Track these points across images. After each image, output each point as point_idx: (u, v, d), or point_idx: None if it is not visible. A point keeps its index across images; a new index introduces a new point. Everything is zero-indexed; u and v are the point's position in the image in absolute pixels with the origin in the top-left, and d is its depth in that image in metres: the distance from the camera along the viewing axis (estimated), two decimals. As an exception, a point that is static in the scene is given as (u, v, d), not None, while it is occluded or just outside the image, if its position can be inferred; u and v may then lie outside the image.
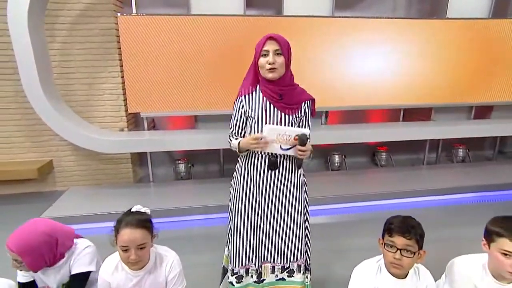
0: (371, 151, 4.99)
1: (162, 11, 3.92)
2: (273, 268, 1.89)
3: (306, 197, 1.93)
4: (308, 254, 1.96)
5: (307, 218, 1.93)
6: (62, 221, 3.11)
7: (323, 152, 4.83)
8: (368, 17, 3.95)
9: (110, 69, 3.79)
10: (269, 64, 1.65)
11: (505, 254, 1.41)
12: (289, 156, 1.75)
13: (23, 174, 3.63)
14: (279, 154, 1.74)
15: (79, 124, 3.60)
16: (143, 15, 3.50)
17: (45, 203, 3.51)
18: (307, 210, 1.93)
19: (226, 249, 1.99)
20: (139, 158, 4.41)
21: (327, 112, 4.39)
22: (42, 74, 3.29)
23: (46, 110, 3.34)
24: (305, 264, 1.94)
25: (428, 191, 3.83)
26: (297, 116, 1.77)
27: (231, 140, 1.82)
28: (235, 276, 1.87)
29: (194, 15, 3.66)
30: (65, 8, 3.58)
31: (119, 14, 3.45)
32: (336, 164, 4.68)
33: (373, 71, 4.10)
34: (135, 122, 4.26)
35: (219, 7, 3.85)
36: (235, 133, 1.82)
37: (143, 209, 1.64)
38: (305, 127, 1.80)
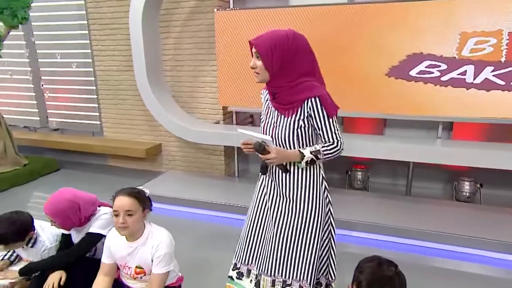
0: (530, 184, 3.79)
1: (263, 4, 4.07)
2: (273, 282, 1.82)
3: (319, 211, 1.76)
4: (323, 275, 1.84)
5: (314, 234, 1.76)
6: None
7: (448, 176, 3.98)
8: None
9: (211, 63, 4.22)
10: (251, 67, 1.69)
11: None
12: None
13: (133, 152, 4.52)
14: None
15: (176, 113, 4.19)
16: (237, 9, 3.74)
17: (148, 180, 4.26)
18: (315, 224, 1.76)
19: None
20: (233, 153, 4.74)
21: (450, 124, 3.59)
22: (150, 68, 4.01)
23: (150, 99, 4.06)
24: None
25: None
26: (296, 118, 1.67)
27: None
28: (236, 271, 1.96)
29: (291, 6, 3.64)
30: (179, 6, 4.20)
31: (215, 10, 3.80)
32: (465, 194, 3.78)
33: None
34: (232, 116, 4.60)
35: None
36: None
37: (141, 188, 1.91)
38: (323, 133, 1.67)
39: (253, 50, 1.68)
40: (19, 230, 2.01)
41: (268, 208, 1.84)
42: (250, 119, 4.64)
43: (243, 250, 1.93)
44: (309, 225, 1.76)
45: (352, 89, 3.53)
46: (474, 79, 3.17)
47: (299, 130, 1.67)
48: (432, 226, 3.09)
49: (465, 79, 3.19)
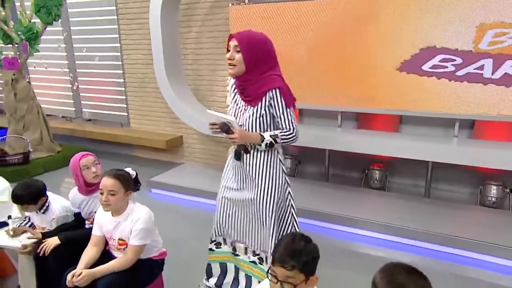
0: None
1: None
2: (246, 249, 2.26)
3: (276, 188, 2.07)
4: None
5: (273, 208, 2.07)
6: (158, 186, 4.15)
7: (472, 178, 3.87)
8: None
9: (230, 56, 4.48)
10: (228, 59, 1.95)
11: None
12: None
13: (154, 143, 4.92)
14: (249, 144, 2.05)
15: (192, 105, 4.51)
16: (250, 3, 3.95)
17: (166, 170, 4.64)
18: (275, 205, 2.08)
19: None
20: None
21: (472, 122, 3.52)
22: (169, 62, 4.36)
23: (168, 92, 4.42)
24: None
25: None
26: (259, 106, 1.99)
27: None
28: (214, 243, 2.36)
29: (304, 0, 3.77)
30: (200, 0, 4.51)
31: (230, 4, 4.05)
32: (491, 199, 3.67)
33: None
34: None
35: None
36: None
37: (128, 170, 2.19)
38: (281, 120, 1.98)
39: (232, 43, 1.93)
40: (33, 193, 2.41)
41: (235, 187, 2.19)
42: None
43: (217, 225, 2.32)
44: (268, 200, 2.07)
45: (363, 84, 3.59)
46: (492, 74, 3.11)
47: (261, 118, 2.01)
48: (451, 230, 3.05)
49: (482, 74, 3.14)
